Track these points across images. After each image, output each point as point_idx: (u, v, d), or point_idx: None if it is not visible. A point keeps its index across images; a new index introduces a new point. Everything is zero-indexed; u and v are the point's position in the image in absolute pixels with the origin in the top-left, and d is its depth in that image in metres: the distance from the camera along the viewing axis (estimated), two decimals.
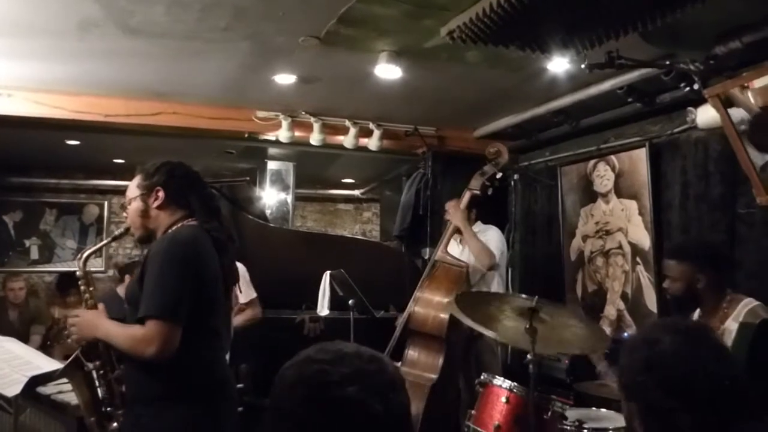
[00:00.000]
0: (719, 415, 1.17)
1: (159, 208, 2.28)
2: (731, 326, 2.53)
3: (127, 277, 4.89)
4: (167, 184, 2.28)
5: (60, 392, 2.79)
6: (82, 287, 2.36)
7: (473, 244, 3.98)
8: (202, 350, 2.15)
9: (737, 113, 2.99)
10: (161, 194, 2.27)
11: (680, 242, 3.68)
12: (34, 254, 7.44)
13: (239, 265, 4.01)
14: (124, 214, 2.38)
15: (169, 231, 2.24)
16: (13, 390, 2.58)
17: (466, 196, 4.08)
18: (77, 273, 2.40)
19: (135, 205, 2.31)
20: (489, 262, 3.94)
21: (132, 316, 2.15)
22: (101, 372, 2.26)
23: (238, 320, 3.93)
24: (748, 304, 2.61)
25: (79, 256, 2.49)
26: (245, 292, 4.02)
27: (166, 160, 2.36)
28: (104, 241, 2.69)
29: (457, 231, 4.06)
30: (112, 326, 2.21)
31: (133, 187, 2.33)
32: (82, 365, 2.29)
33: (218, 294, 2.23)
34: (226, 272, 2.29)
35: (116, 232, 2.52)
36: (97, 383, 2.27)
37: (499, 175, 4.14)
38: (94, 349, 2.25)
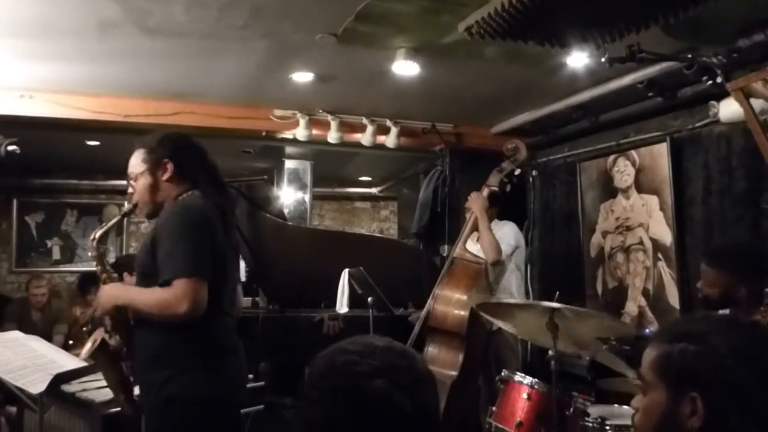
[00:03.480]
0: None
1: (168, 180, 2.25)
2: None
3: (126, 275, 4.88)
4: (175, 155, 2.25)
5: (84, 390, 2.82)
6: (98, 266, 2.36)
7: (484, 236, 3.96)
8: (215, 315, 2.16)
9: (757, 103, 2.94)
10: (170, 166, 2.24)
11: (721, 247, 3.43)
12: (56, 255, 7.52)
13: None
14: (130, 190, 2.33)
15: (178, 199, 2.23)
16: (38, 388, 2.61)
17: (485, 193, 4.07)
18: (89, 253, 2.42)
19: (143, 181, 2.26)
20: (494, 257, 3.91)
21: (145, 285, 2.16)
22: (125, 349, 2.29)
23: None
24: None
25: (92, 236, 2.44)
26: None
27: (166, 132, 2.33)
28: (114, 220, 2.61)
29: (475, 227, 4.04)
30: (135, 292, 2.22)
31: (138, 162, 2.28)
32: (107, 345, 2.31)
33: (227, 262, 2.24)
34: (233, 243, 2.31)
35: (124, 209, 2.45)
36: (122, 363, 2.30)
37: (517, 172, 4.11)
38: (118, 327, 2.27)
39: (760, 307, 2.57)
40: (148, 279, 2.16)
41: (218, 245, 2.18)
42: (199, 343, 2.13)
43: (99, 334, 2.39)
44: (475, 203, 4.04)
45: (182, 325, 2.07)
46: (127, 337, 2.28)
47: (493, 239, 3.94)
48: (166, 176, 2.24)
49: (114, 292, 2.28)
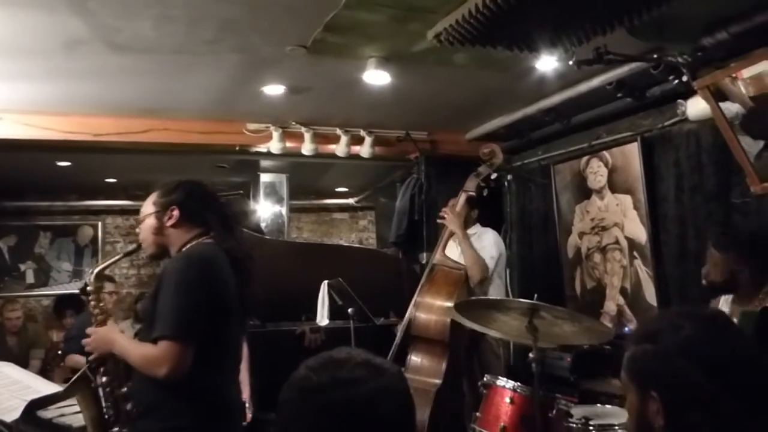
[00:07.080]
0: (762, 400, 1.14)
1: (173, 226, 2.24)
2: None
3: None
4: (183, 203, 2.25)
5: (61, 415, 2.76)
6: (92, 302, 2.33)
7: (468, 255, 3.94)
8: (213, 371, 2.12)
9: (732, 107, 2.99)
10: (176, 213, 2.24)
11: (729, 232, 3.40)
12: (30, 278, 7.39)
13: None
14: (137, 230, 2.35)
15: (184, 249, 2.22)
16: (13, 415, 2.55)
17: (462, 198, 4.08)
18: (88, 288, 2.36)
19: (148, 222, 2.27)
20: (480, 276, 3.90)
21: (145, 333, 2.14)
22: (108, 388, 2.24)
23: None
24: None
25: (90, 270, 2.42)
26: None
27: (186, 179, 2.33)
28: (116, 257, 2.60)
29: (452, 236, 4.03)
30: (126, 342, 2.21)
31: (149, 204, 2.30)
32: (89, 381, 2.27)
33: (233, 315, 2.19)
34: (244, 292, 2.25)
35: (128, 249, 2.50)
36: (103, 400, 2.25)
37: (493, 176, 4.14)
38: (102, 364, 2.24)
39: (758, 295, 2.63)
40: (150, 326, 2.13)
41: (223, 296, 2.14)
42: (195, 401, 2.08)
43: (82, 368, 2.32)
44: (451, 223, 4.02)
45: (179, 380, 2.03)
46: (116, 379, 2.24)
47: (476, 257, 3.92)
48: (170, 222, 2.24)
49: (110, 338, 2.23)
